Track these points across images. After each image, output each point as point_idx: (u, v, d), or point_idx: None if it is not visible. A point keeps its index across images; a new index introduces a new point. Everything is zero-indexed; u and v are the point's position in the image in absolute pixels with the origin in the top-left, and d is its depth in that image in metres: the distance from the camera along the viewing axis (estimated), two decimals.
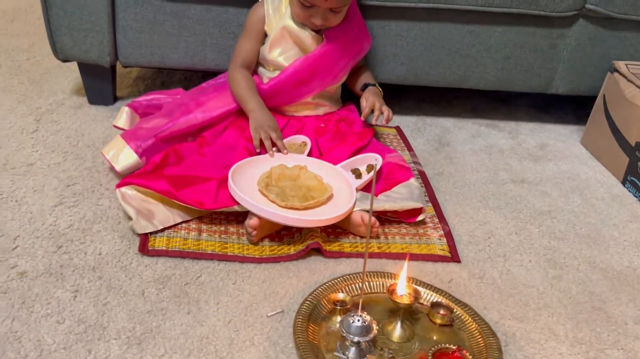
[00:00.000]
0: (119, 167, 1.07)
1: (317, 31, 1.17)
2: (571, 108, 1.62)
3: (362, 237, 1.00)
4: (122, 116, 1.21)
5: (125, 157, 1.07)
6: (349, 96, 1.35)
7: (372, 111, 1.19)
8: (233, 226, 0.99)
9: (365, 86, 1.24)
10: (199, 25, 1.27)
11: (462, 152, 1.36)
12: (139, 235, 0.94)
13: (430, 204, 1.11)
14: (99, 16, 1.24)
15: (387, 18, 1.30)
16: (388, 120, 1.17)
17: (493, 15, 1.31)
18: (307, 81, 1.17)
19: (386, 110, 1.17)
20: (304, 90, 1.19)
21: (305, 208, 0.96)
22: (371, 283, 0.88)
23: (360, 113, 1.21)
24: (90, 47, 1.27)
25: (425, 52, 1.35)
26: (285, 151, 1.09)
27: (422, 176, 1.21)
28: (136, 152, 1.08)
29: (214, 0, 1.24)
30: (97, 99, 1.38)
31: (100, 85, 1.36)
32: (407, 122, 1.49)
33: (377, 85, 1.24)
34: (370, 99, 1.19)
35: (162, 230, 0.96)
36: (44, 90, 1.43)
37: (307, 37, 1.16)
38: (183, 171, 1.02)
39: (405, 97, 1.61)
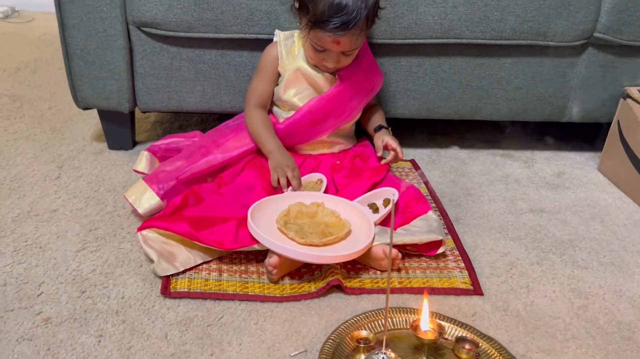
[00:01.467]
0: (141, 210, 1.09)
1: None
2: (586, 135, 1.62)
3: (383, 271, 0.99)
4: (142, 160, 1.23)
5: (148, 199, 1.09)
6: (363, 131, 1.37)
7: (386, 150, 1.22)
8: (253, 266, 1.00)
9: (380, 128, 1.27)
10: (214, 70, 1.31)
11: (478, 183, 1.36)
12: (160, 277, 0.95)
13: (449, 236, 1.11)
14: (117, 64, 1.28)
15: (397, 55, 1.33)
16: (396, 160, 1.21)
17: (502, 47, 1.32)
18: (322, 120, 1.20)
19: (400, 152, 1.21)
20: (319, 129, 1.21)
21: (325, 245, 0.97)
22: (394, 319, 0.88)
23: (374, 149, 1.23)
24: (109, 95, 1.31)
25: (437, 87, 1.37)
26: (298, 189, 1.10)
27: (439, 208, 1.21)
28: (158, 194, 1.09)
29: (229, 45, 1.28)
30: (116, 144, 1.41)
31: (119, 130, 1.40)
32: (422, 155, 1.50)
33: (389, 129, 1.28)
34: (385, 139, 1.22)
35: (184, 272, 0.96)
36: (66, 138, 1.46)
37: (320, 78, 1.18)
38: (203, 212, 1.03)
39: (418, 129, 1.63)
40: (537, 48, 1.33)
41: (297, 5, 1.12)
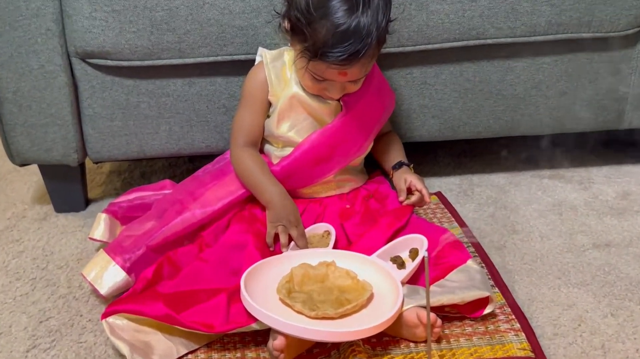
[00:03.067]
0: (104, 290, 1.08)
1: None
2: None
3: (418, 343, 0.98)
4: (99, 225, 1.23)
5: (111, 275, 1.09)
6: (374, 163, 1.37)
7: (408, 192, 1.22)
8: (252, 351, 0.98)
9: (399, 165, 1.26)
10: (182, 103, 1.32)
11: (525, 216, 1.36)
12: None
13: (497, 290, 1.10)
14: (60, 107, 1.29)
15: (408, 65, 1.34)
16: (422, 203, 1.22)
17: (537, 45, 1.34)
18: (327, 158, 1.20)
19: (426, 195, 1.21)
20: (324, 169, 1.21)
21: (342, 316, 0.96)
22: None
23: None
24: (52, 145, 1.32)
25: (460, 99, 1.39)
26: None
27: (480, 253, 1.21)
28: (123, 268, 1.09)
29: (197, 71, 1.30)
30: (65, 206, 1.41)
31: (67, 188, 1.40)
32: (450, 185, 1.50)
33: (411, 166, 1.27)
34: (409, 180, 1.21)
35: None
36: (0, 202, 1.46)
37: (321, 106, 1.19)
38: (182, 285, 1.03)
39: (442, 153, 1.63)
40: (580, 42, 1.35)
41: (287, 26, 1.13)
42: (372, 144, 1.28)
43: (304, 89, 1.18)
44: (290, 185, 1.21)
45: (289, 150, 1.21)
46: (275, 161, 1.22)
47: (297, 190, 1.24)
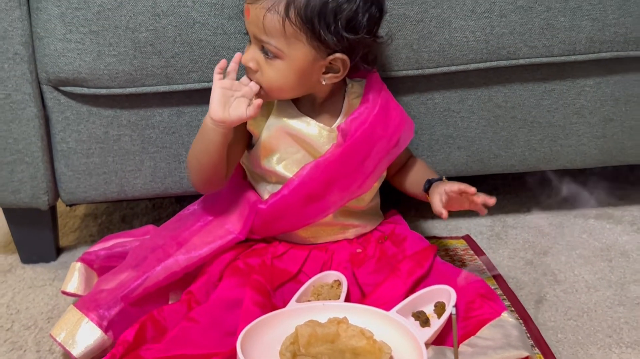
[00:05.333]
0: (77, 352, 1.08)
1: (329, 123, 1.21)
2: None
3: None
4: (74, 276, 1.23)
5: (85, 334, 1.09)
6: (391, 201, 1.37)
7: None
8: None
9: (430, 183, 1.22)
10: (169, 136, 1.33)
11: (568, 263, 1.36)
12: None
13: (537, 350, 1.10)
14: (28, 142, 1.30)
15: (428, 89, 1.36)
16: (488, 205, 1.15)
17: (578, 65, 1.36)
18: (321, 196, 1.20)
19: (469, 188, 1.14)
20: (319, 208, 1.21)
21: None
22: None
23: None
24: (19, 186, 1.33)
25: (490, 129, 1.40)
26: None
27: (517, 307, 1.20)
28: (100, 325, 1.09)
29: (186, 99, 1.32)
30: (33, 256, 1.42)
31: (36, 235, 1.41)
32: (480, 227, 1.50)
33: (444, 178, 1.22)
34: (447, 189, 1.15)
35: None
36: None
37: (314, 135, 1.20)
38: (169, 349, 1.02)
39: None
40: (627, 61, 1.36)
41: None
42: (380, 181, 1.28)
43: (293, 116, 1.20)
44: (281, 226, 1.23)
45: (280, 186, 1.22)
46: (265, 196, 1.23)
47: (294, 234, 1.25)
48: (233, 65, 1.13)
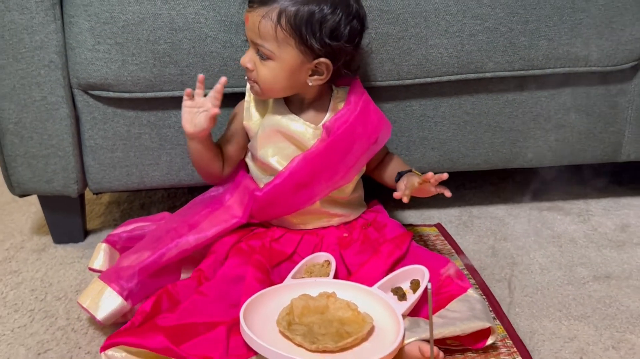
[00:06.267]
0: (100, 316, 1.07)
1: (316, 122, 1.21)
2: None
3: None
4: (99, 255, 1.22)
5: (108, 301, 1.08)
6: (373, 193, 1.37)
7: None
8: None
9: (400, 175, 1.23)
10: (183, 134, 1.31)
11: (524, 248, 1.36)
12: None
13: (498, 321, 1.10)
14: (61, 138, 1.29)
15: (407, 97, 1.36)
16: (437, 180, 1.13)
17: (535, 78, 1.36)
18: (308, 183, 1.20)
19: (431, 175, 1.12)
20: (306, 195, 1.21)
21: (342, 350, 0.95)
22: None
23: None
24: (52, 176, 1.32)
25: (459, 132, 1.40)
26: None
27: (480, 285, 1.20)
28: (120, 294, 1.09)
29: None
30: (64, 237, 1.41)
31: (66, 219, 1.40)
32: (449, 217, 1.50)
33: (414, 169, 1.24)
34: (410, 179, 1.17)
35: None
36: None
37: (300, 132, 1.20)
38: (182, 318, 1.02)
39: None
40: (577, 76, 1.37)
41: None
42: (360, 173, 1.27)
43: (284, 115, 1.21)
44: (274, 211, 1.23)
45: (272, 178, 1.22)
46: (261, 186, 1.23)
47: (287, 220, 1.25)
48: (198, 88, 1.17)
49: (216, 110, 1.15)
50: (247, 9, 1.14)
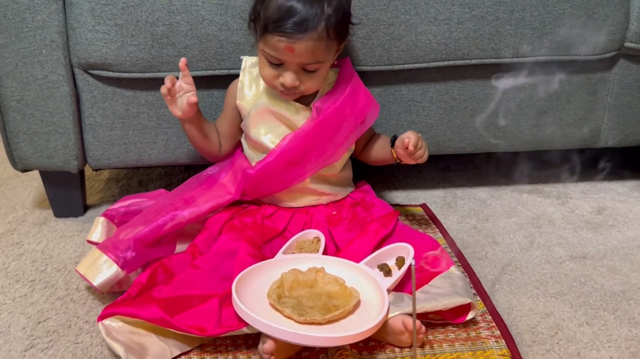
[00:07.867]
0: (96, 282, 1.07)
1: (306, 103, 1.20)
2: (626, 161, 1.64)
3: (403, 348, 0.98)
4: (97, 228, 1.21)
5: (103, 268, 1.08)
6: (362, 175, 1.37)
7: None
8: (243, 354, 0.98)
9: (395, 137, 1.22)
10: None
11: (505, 228, 1.36)
12: None
13: (478, 298, 1.10)
14: (62, 116, 1.28)
15: (397, 82, 1.35)
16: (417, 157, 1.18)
17: (519, 66, 1.35)
18: (299, 161, 1.20)
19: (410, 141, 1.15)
20: (296, 173, 1.21)
21: (329, 322, 0.95)
22: None
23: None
24: (53, 152, 1.31)
25: (445, 116, 1.39)
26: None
27: (462, 263, 1.21)
28: (116, 262, 1.08)
29: (195, 83, 1.28)
30: (64, 211, 1.40)
31: (67, 194, 1.39)
32: (434, 198, 1.50)
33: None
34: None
35: None
36: (1, 207, 1.45)
37: (292, 112, 1.20)
38: (176, 290, 1.02)
39: (427, 167, 1.64)
40: (560, 64, 1.36)
41: (252, 17, 1.15)
42: (348, 153, 1.27)
43: (275, 97, 1.20)
44: (266, 188, 1.22)
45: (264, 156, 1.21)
46: (253, 164, 1.23)
47: (277, 197, 1.24)
48: (183, 75, 1.17)
49: (194, 99, 1.16)
50: (287, 40, 1.08)
